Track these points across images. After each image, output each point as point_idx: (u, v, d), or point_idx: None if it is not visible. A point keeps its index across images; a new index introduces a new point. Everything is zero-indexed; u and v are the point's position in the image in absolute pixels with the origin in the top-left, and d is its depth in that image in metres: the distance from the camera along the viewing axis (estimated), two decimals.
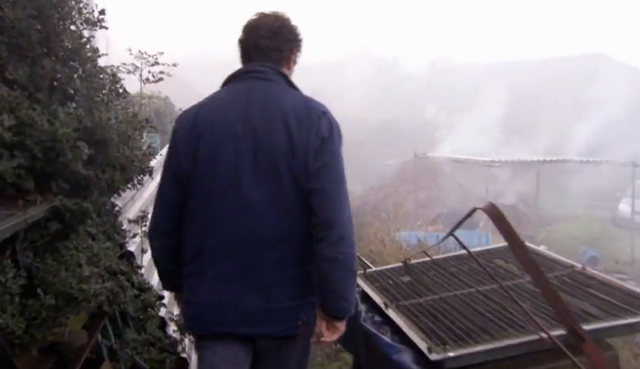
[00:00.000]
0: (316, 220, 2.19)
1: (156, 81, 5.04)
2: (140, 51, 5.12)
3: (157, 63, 5.00)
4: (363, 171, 24.68)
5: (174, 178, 2.33)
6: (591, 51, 38.07)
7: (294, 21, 2.47)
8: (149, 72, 5.05)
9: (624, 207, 20.63)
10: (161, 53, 5.03)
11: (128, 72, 4.84)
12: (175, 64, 5.29)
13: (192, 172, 2.28)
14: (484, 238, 12.05)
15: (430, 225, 14.62)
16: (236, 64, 2.43)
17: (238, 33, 2.45)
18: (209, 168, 2.26)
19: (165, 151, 2.98)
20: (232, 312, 2.28)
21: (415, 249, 7.87)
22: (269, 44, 2.37)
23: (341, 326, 2.33)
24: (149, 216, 3.11)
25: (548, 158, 12.24)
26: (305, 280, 2.30)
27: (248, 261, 2.25)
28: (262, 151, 2.23)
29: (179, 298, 2.64)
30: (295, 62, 2.51)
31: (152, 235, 2.47)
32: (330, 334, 2.34)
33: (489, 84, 34.69)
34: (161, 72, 5.08)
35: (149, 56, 5.03)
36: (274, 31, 2.39)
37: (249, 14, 2.41)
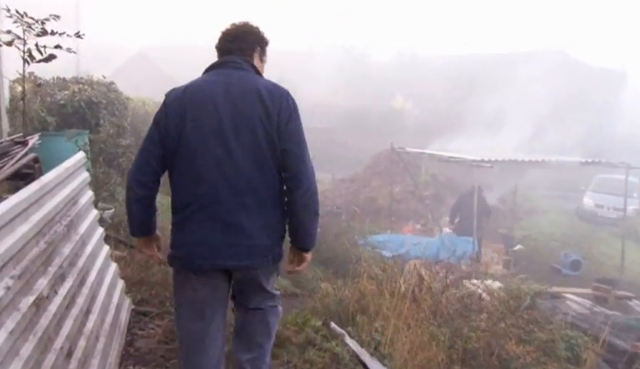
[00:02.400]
0: (288, 174, 2.67)
1: (45, 60, 3.53)
2: (19, 14, 3.55)
3: (45, 32, 3.51)
4: (332, 159, 23.24)
5: (159, 141, 2.65)
6: (549, 47, 37.07)
7: (260, 25, 2.94)
8: (36, 46, 3.52)
9: (588, 201, 19.89)
10: (56, 17, 3.55)
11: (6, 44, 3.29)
12: (79, 35, 3.79)
13: (180, 136, 2.62)
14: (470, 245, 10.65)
15: (407, 227, 13.16)
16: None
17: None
18: (195, 132, 2.61)
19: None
20: (220, 249, 2.63)
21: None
22: (240, 45, 2.85)
23: (309, 256, 2.89)
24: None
25: (540, 158, 10.86)
26: (276, 224, 2.74)
27: (230, 207, 2.60)
28: (241, 117, 2.62)
29: (146, 244, 2.90)
30: (262, 60, 2.95)
31: (133, 185, 2.70)
32: (300, 263, 2.90)
33: (453, 76, 33.89)
34: (57, 47, 3.59)
35: (34, 21, 3.47)
36: (241, 36, 2.88)
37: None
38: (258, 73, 2.83)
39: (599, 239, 16.69)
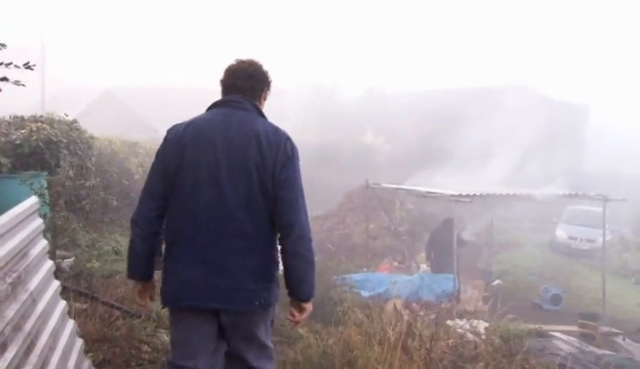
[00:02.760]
0: (280, 222, 2.65)
1: None
2: None
3: None
4: (307, 195, 22.81)
5: (161, 177, 2.70)
6: (514, 82, 37.69)
7: (263, 66, 2.90)
8: None
9: (561, 233, 19.85)
10: (2, 45, 3.30)
11: None
12: (28, 66, 3.55)
13: (178, 173, 2.65)
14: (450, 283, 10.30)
15: (383, 265, 12.77)
16: None
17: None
18: (191, 170, 2.64)
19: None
20: (204, 290, 2.62)
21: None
22: (244, 84, 2.82)
23: (308, 306, 2.79)
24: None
25: (522, 192, 10.66)
26: (265, 269, 2.70)
27: (219, 249, 2.61)
28: (237, 160, 2.63)
29: (141, 292, 2.84)
30: (265, 99, 2.95)
31: (138, 222, 2.70)
32: (300, 314, 2.79)
33: (420, 110, 34.06)
34: (3, 79, 3.37)
35: None
36: (249, 74, 2.84)
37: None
38: (261, 114, 2.83)
39: (575, 272, 16.56)
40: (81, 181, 7.13)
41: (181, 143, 2.68)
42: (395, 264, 12.76)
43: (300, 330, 7.63)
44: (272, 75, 2.95)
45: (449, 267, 10.84)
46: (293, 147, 2.72)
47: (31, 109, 11.00)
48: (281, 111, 36.94)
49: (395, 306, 10.10)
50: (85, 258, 6.25)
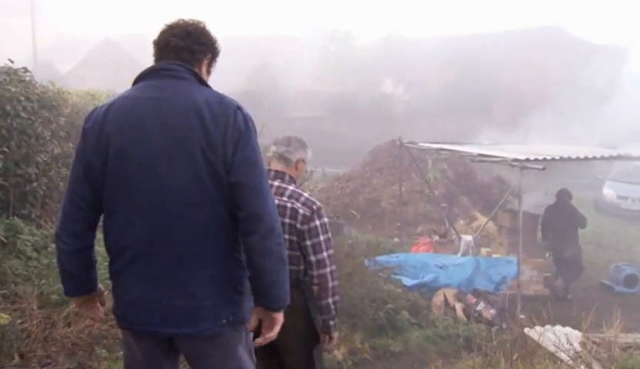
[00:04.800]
0: (243, 214, 2.12)
1: None
2: None
3: None
4: (321, 152, 20.76)
5: (85, 178, 2.20)
6: (544, 24, 34.75)
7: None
8: None
9: (608, 191, 17.67)
10: None
11: None
12: None
13: (104, 172, 2.16)
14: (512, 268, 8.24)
15: (421, 240, 10.70)
16: None
17: None
18: (121, 167, 2.14)
19: None
20: (155, 311, 2.16)
21: None
22: (180, 43, 2.25)
23: (280, 317, 2.24)
24: None
25: (582, 156, 8.44)
26: (228, 277, 2.19)
27: (167, 258, 2.13)
28: (176, 144, 2.12)
29: (86, 304, 2.40)
30: (208, 71, 2.36)
31: (61, 236, 2.23)
32: (270, 328, 2.23)
33: (442, 57, 31.51)
34: None
35: None
36: (187, 31, 2.27)
37: None
38: (202, 82, 2.27)
39: (633, 238, 14.48)
40: (32, 154, 5.04)
41: (102, 133, 2.16)
42: (436, 238, 10.70)
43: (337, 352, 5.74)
44: (219, 43, 2.39)
45: (572, 248, 9.46)
46: (246, 119, 2.18)
47: (24, 61, 8.83)
48: (293, 59, 34.83)
49: (445, 298, 8.18)
50: (33, 273, 4.28)
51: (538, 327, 6.59)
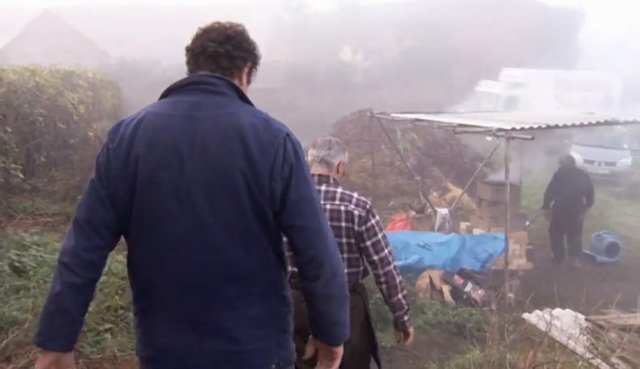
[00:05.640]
0: (302, 259, 1.92)
1: None
2: None
3: None
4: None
5: (109, 201, 1.88)
6: None
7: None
8: None
9: (575, 155, 17.50)
10: None
11: None
12: None
13: (131, 198, 1.86)
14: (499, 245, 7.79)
15: (397, 217, 10.16)
16: None
17: None
18: (151, 195, 1.85)
19: None
20: (193, 357, 1.89)
21: None
22: (219, 49, 1.96)
23: (340, 350, 2.05)
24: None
25: (577, 122, 8.00)
26: (273, 318, 1.96)
27: (203, 301, 1.87)
28: (216, 173, 1.84)
29: (61, 363, 1.88)
30: (249, 81, 2.07)
31: (71, 265, 1.85)
32: (330, 361, 2.04)
33: (400, 22, 30.93)
34: None
35: None
36: (226, 36, 1.98)
37: None
38: (244, 98, 1.97)
39: (603, 202, 14.34)
40: None
41: (130, 154, 1.86)
42: (413, 213, 10.18)
43: None
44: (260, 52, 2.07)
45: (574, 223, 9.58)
46: (297, 148, 1.89)
47: None
48: (246, 28, 33.54)
49: (430, 280, 7.69)
50: None
51: (537, 312, 6.18)
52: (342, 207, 3.06)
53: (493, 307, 7.36)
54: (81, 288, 1.89)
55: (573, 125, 7.68)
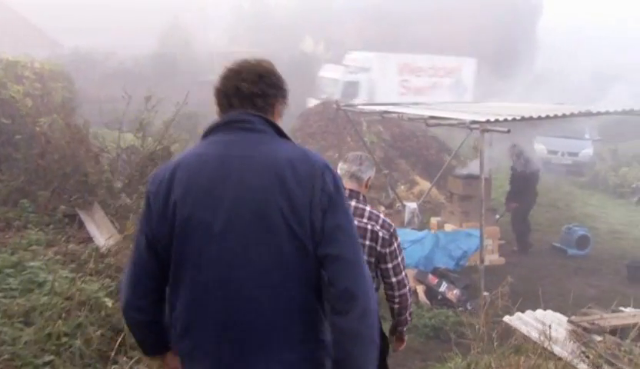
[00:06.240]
0: (334, 290, 1.83)
1: None
2: None
3: None
4: None
5: (149, 250, 1.93)
6: None
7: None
8: None
9: (539, 146, 17.49)
10: None
11: None
12: None
13: (171, 243, 1.88)
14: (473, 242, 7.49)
15: None
16: None
17: None
18: (189, 236, 1.85)
19: None
20: None
21: None
22: (253, 88, 1.95)
23: None
24: None
25: (552, 114, 7.73)
26: (311, 362, 1.89)
27: (245, 343, 1.85)
28: (252, 211, 1.81)
29: (168, 360, 2.13)
30: (280, 115, 2.05)
31: (127, 310, 2.00)
32: None
33: (363, 12, 30.58)
34: None
35: None
36: (258, 74, 1.97)
37: None
38: (281, 133, 1.97)
39: (568, 194, 14.32)
40: None
41: (169, 199, 1.88)
42: (382, 209, 9.82)
43: None
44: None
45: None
46: (336, 179, 1.87)
47: None
48: (206, 18, 32.82)
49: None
50: None
51: (519, 314, 5.89)
52: (369, 226, 3.11)
53: (468, 306, 7.08)
54: (144, 327, 2.04)
55: (547, 117, 7.40)
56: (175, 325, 1.96)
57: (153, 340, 2.09)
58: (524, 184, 9.62)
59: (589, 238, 9.65)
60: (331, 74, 22.18)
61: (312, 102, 20.66)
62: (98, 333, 3.32)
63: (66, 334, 3.17)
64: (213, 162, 1.87)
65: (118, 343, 3.39)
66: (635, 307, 6.93)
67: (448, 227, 8.98)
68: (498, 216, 10.33)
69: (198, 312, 1.88)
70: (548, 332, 4.84)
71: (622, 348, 4.29)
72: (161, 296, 2.00)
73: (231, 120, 1.93)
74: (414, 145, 13.88)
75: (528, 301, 6.03)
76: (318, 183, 1.82)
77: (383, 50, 27.16)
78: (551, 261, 9.27)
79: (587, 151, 17.35)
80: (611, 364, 4.24)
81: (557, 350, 4.68)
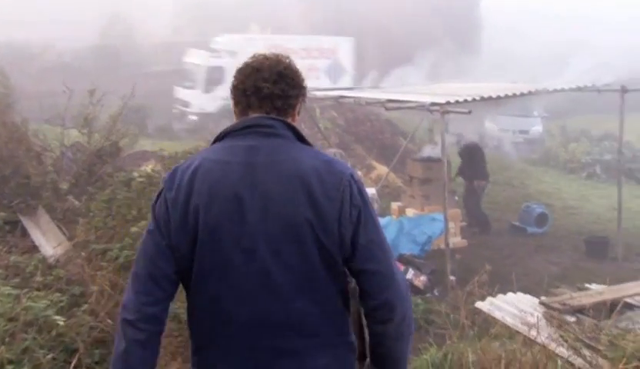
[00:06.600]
0: (374, 303, 1.84)
1: None
2: None
3: None
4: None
5: (171, 253, 1.82)
6: None
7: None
8: None
9: (490, 125, 17.64)
10: None
11: None
12: None
13: (193, 249, 1.80)
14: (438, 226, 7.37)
15: None
16: None
17: None
18: (213, 247, 1.80)
19: None
20: None
21: None
22: (274, 89, 1.86)
23: None
24: None
25: (533, 89, 7.68)
26: (341, 365, 1.89)
27: (269, 353, 1.82)
28: (280, 223, 1.77)
29: None
30: (299, 113, 1.97)
31: (134, 322, 1.81)
32: None
33: None
34: None
35: None
36: (279, 74, 1.87)
37: None
38: (303, 140, 1.89)
39: (522, 171, 14.47)
40: None
41: (189, 205, 1.79)
42: None
43: None
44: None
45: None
46: (361, 188, 1.82)
47: None
48: (147, 9, 31.72)
49: None
50: None
51: (490, 299, 5.78)
52: None
53: (435, 292, 6.97)
54: (147, 343, 1.85)
55: (507, 96, 7.32)
56: (196, 336, 1.91)
57: (150, 355, 1.89)
58: (469, 159, 9.74)
59: (547, 216, 9.73)
60: (194, 59, 20.67)
61: (180, 92, 19.93)
62: (49, 356, 2.96)
63: (10, 362, 2.80)
64: (236, 170, 1.80)
65: (72, 365, 3.06)
66: (597, 282, 6.99)
67: (410, 212, 8.85)
68: (457, 198, 10.30)
69: (227, 322, 1.84)
70: (524, 318, 4.74)
71: (603, 331, 4.20)
72: (169, 304, 1.92)
73: (251, 124, 1.85)
74: (368, 130, 13.76)
75: (496, 284, 5.96)
76: (346, 196, 1.77)
77: (331, 34, 26.94)
78: (512, 241, 9.29)
79: (536, 128, 17.63)
80: (590, 347, 4.15)
81: (533, 334, 4.58)
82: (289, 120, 1.90)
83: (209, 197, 1.79)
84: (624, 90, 8.06)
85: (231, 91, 1.93)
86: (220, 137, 1.90)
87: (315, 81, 21.08)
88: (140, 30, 29.13)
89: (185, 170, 1.85)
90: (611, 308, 5.32)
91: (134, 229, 3.95)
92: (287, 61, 1.93)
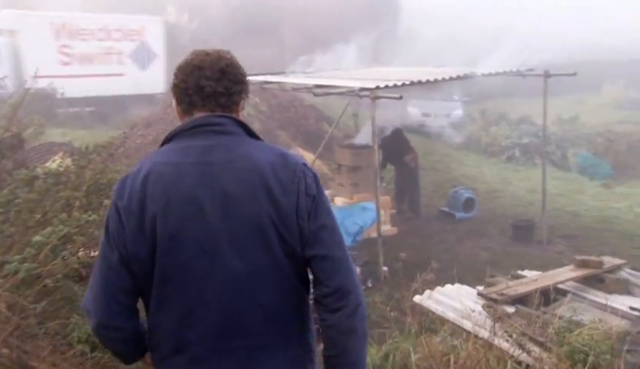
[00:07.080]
0: (326, 289, 1.79)
1: None
2: None
3: None
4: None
5: (124, 267, 1.78)
6: None
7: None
8: None
9: (412, 109, 17.67)
10: None
11: None
12: None
13: (152, 258, 1.75)
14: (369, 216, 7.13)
15: None
16: None
17: None
18: (174, 252, 1.75)
19: None
20: None
21: None
22: (217, 87, 1.82)
23: None
24: None
25: (462, 73, 7.54)
26: (307, 352, 1.89)
27: (239, 354, 1.80)
28: (242, 221, 1.75)
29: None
30: (243, 109, 1.93)
31: (100, 331, 1.86)
32: None
33: None
34: None
35: None
36: (221, 71, 1.83)
37: None
38: (252, 134, 1.86)
39: (446, 155, 14.58)
40: None
41: (144, 213, 1.74)
42: None
43: None
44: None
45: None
46: (316, 178, 1.81)
47: None
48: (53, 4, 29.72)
49: None
50: None
51: (429, 292, 5.58)
52: None
53: (369, 284, 6.74)
54: (117, 341, 1.89)
55: (436, 80, 7.14)
56: (161, 345, 1.84)
57: (133, 350, 1.97)
58: (395, 143, 9.66)
59: (475, 200, 9.75)
60: None
61: None
62: None
63: None
64: (190, 171, 1.74)
65: None
66: (527, 268, 7.00)
67: (339, 201, 8.59)
68: (384, 184, 10.14)
69: (192, 328, 1.79)
70: (465, 312, 4.56)
71: (551, 326, 4.06)
72: (135, 311, 1.88)
73: (200, 123, 1.80)
74: (292, 116, 13.40)
75: (430, 272, 5.78)
76: (301, 187, 1.75)
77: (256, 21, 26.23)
78: (442, 227, 9.23)
79: (457, 112, 17.84)
80: (535, 342, 4.01)
81: (476, 329, 4.41)
82: (234, 115, 1.84)
83: (165, 202, 1.73)
84: (547, 75, 8.11)
85: (172, 90, 1.86)
86: (168, 139, 1.84)
87: (118, 67, 19.37)
88: (42, 5, 27.33)
89: (134, 176, 1.78)
90: (545, 294, 5.28)
91: (37, 238, 3.38)
92: (228, 56, 1.87)
